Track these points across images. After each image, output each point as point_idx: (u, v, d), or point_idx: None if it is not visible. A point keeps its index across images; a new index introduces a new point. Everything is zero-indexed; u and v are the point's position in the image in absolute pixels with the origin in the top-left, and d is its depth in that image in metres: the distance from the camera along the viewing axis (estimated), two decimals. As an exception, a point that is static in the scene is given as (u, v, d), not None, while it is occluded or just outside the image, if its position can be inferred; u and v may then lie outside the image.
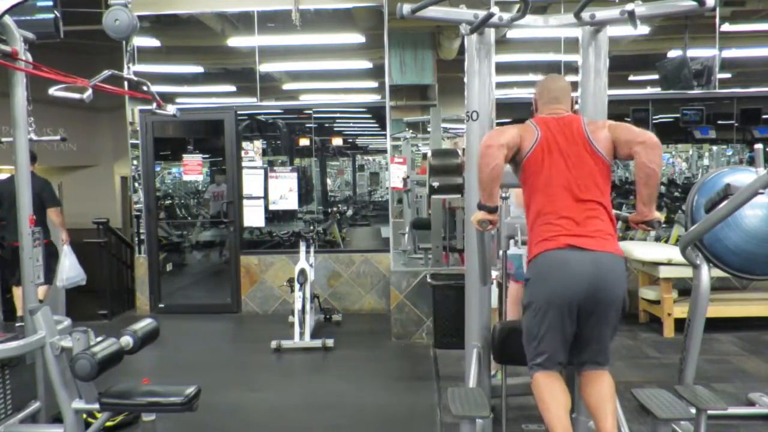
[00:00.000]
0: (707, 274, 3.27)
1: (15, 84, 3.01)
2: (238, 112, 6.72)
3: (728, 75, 6.32)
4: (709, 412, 2.55)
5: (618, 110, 6.26)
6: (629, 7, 2.79)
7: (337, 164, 9.16)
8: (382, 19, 5.88)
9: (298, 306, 5.21)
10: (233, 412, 3.86)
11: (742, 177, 3.13)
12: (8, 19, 2.91)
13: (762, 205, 3.14)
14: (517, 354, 2.69)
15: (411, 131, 6.39)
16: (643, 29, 6.27)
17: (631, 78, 6.80)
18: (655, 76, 6.42)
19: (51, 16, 3.23)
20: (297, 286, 5.26)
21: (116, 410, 2.95)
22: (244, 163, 6.69)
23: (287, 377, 4.62)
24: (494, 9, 2.86)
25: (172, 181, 9.38)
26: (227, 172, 6.78)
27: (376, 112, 7.05)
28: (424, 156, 6.61)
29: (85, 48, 7.85)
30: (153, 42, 6.78)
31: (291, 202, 6.70)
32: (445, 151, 5.28)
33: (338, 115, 7.41)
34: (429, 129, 5.88)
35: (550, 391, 2.46)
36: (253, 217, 6.66)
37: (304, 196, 7.16)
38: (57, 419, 3.05)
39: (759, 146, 3.12)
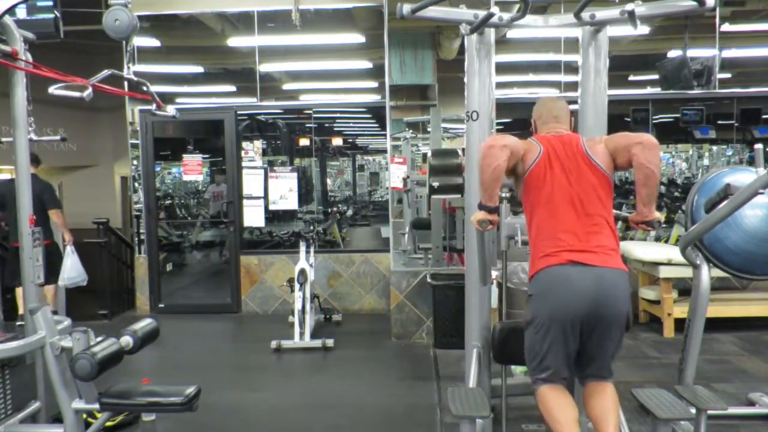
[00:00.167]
0: (707, 274, 3.27)
1: (15, 84, 3.01)
2: (238, 112, 6.73)
3: (728, 75, 6.32)
4: (709, 412, 2.55)
5: (618, 110, 6.28)
6: (629, 7, 2.79)
7: (337, 164, 9.17)
8: (382, 19, 5.88)
9: (298, 306, 5.21)
10: (233, 412, 3.86)
11: (742, 177, 3.13)
12: (8, 19, 2.91)
13: (762, 205, 3.13)
14: (517, 354, 2.69)
15: (411, 131, 6.39)
16: (643, 29, 6.27)
17: (631, 78, 6.80)
18: (655, 76, 6.42)
19: (51, 16, 3.23)
20: (297, 286, 5.26)
21: (116, 410, 2.95)
22: (244, 163, 6.69)
23: (287, 377, 4.62)
24: (494, 9, 2.86)
25: (172, 181, 9.38)
26: (227, 172, 6.78)
27: (376, 112, 7.05)
28: (424, 157, 6.61)
29: (85, 48, 7.85)
30: (153, 42, 6.78)
31: (291, 202, 6.70)
32: (445, 151, 5.29)
33: (338, 115, 7.42)
34: (429, 129, 5.88)
35: (558, 403, 2.43)
36: (253, 217, 6.66)
37: (304, 196, 7.17)
38: (57, 419, 3.05)
39: (759, 146, 3.12)
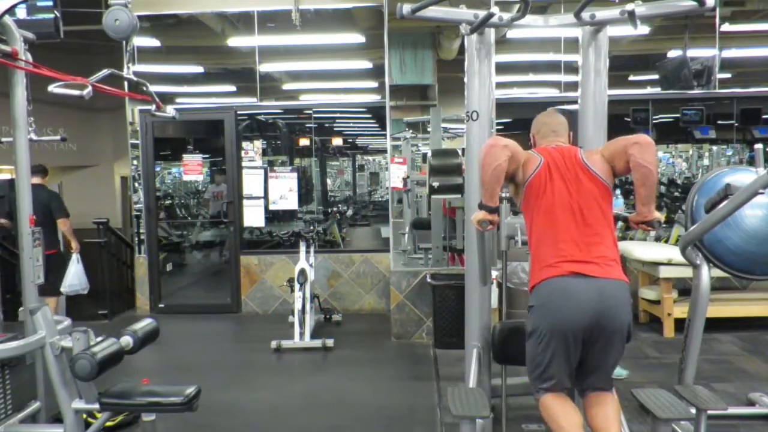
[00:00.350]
0: (707, 274, 3.27)
1: (15, 84, 3.01)
2: (238, 112, 6.72)
3: (728, 75, 6.32)
4: (709, 412, 2.55)
5: (618, 110, 6.27)
6: (629, 7, 2.79)
7: (337, 164, 9.17)
8: (382, 19, 5.88)
9: (298, 306, 5.21)
10: (233, 412, 3.86)
11: (742, 177, 3.13)
12: (8, 19, 2.91)
13: (762, 205, 3.13)
14: (517, 354, 2.69)
15: (411, 131, 6.39)
16: (643, 29, 6.26)
17: (631, 78, 6.80)
18: (655, 76, 6.42)
19: (51, 16, 3.23)
20: (297, 286, 5.26)
21: (116, 410, 2.95)
22: (244, 163, 6.69)
23: (287, 377, 4.61)
24: (494, 9, 2.86)
25: (172, 181, 9.38)
26: (227, 172, 6.78)
27: (376, 112, 7.05)
28: (424, 157, 6.61)
29: (85, 48, 7.87)
30: (153, 42, 6.78)
31: (291, 202, 6.70)
32: (445, 151, 5.29)
33: (338, 115, 7.41)
34: (429, 129, 5.88)
35: (562, 410, 2.42)
36: (253, 217, 6.66)
37: (304, 196, 7.16)
38: (57, 419, 3.05)
39: (759, 146, 3.12)
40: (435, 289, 4.91)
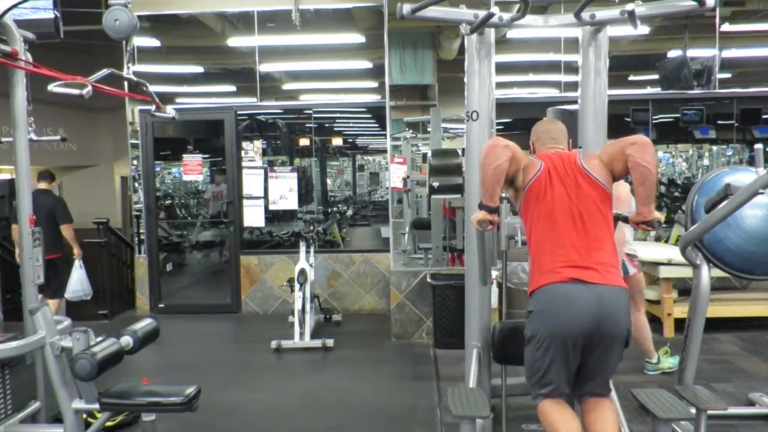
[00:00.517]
0: (707, 274, 3.27)
1: (15, 84, 3.01)
2: (238, 112, 6.73)
3: (728, 75, 6.32)
4: (709, 412, 2.55)
5: (618, 110, 6.27)
6: (629, 7, 2.79)
7: (337, 164, 9.17)
8: (382, 19, 5.88)
9: (298, 306, 5.21)
10: (233, 412, 3.86)
11: (742, 177, 3.13)
12: (8, 19, 2.91)
13: (762, 205, 3.13)
14: (517, 354, 2.69)
15: (411, 131, 6.39)
16: (643, 29, 6.26)
17: (631, 78, 6.80)
18: (655, 76, 6.42)
19: (51, 16, 3.23)
20: (297, 286, 5.26)
21: (116, 410, 2.95)
22: (244, 163, 6.69)
23: (287, 377, 4.61)
24: (494, 9, 2.86)
25: (172, 181, 9.38)
26: (227, 172, 6.78)
27: (376, 112, 7.05)
28: (424, 157, 6.61)
29: (85, 48, 7.86)
30: (153, 42, 6.78)
31: (291, 202, 6.70)
32: (445, 151, 5.29)
33: (338, 115, 7.41)
34: (429, 129, 5.88)
35: (561, 417, 2.42)
36: (253, 217, 6.66)
37: (304, 196, 7.16)
38: (57, 419, 3.05)
39: (759, 146, 3.12)
40: (435, 289, 4.91)
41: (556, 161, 2.58)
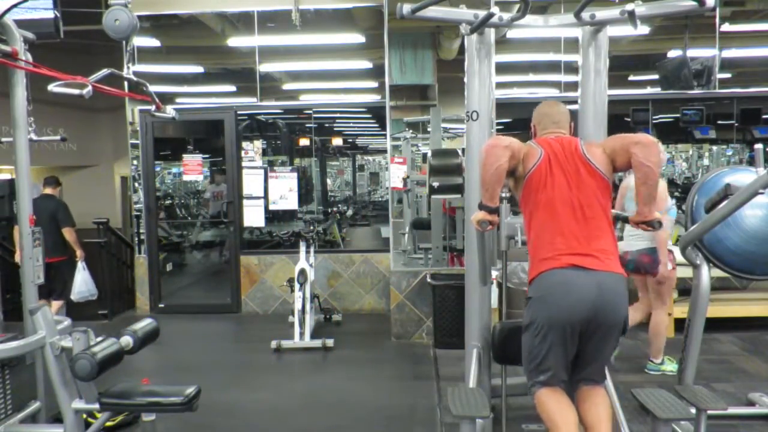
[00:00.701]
0: (707, 274, 3.28)
1: (15, 84, 3.01)
2: (238, 112, 6.73)
3: (728, 75, 6.32)
4: (709, 412, 2.55)
5: (618, 110, 6.27)
6: (629, 7, 2.79)
7: (337, 164, 9.17)
8: (382, 19, 5.88)
9: (298, 306, 5.21)
10: (233, 412, 3.86)
11: (742, 177, 3.13)
12: (8, 19, 2.91)
13: (762, 205, 3.13)
14: (517, 354, 2.69)
15: (411, 131, 6.39)
16: (643, 29, 6.26)
17: (631, 78, 6.79)
18: (655, 76, 6.42)
19: (51, 16, 3.23)
20: (297, 286, 5.26)
21: (116, 410, 2.95)
22: (244, 163, 6.69)
23: (287, 377, 4.61)
24: (494, 9, 2.86)
25: (172, 181, 9.38)
26: (227, 172, 6.78)
27: (376, 112, 7.05)
28: (424, 157, 6.61)
29: (85, 48, 7.86)
30: (153, 42, 6.78)
31: (291, 202, 6.70)
32: (445, 151, 5.29)
33: (338, 115, 7.41)
34: (429, 129, 5.88)
35: (557, 407, 2.43)
36: (253, 217, 6.66)
37: (304, 196, 7.16)
38: (57, 419, 3.05)
39: (759, 146, 3.12)
40: (435, 289, 4.91)
41: (557, 148, 2.57)
